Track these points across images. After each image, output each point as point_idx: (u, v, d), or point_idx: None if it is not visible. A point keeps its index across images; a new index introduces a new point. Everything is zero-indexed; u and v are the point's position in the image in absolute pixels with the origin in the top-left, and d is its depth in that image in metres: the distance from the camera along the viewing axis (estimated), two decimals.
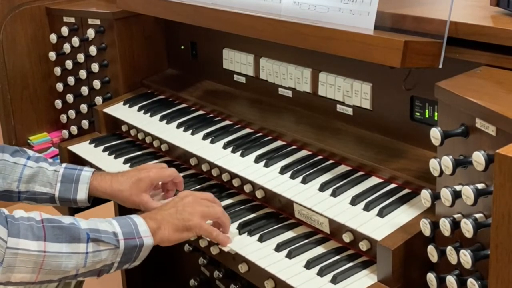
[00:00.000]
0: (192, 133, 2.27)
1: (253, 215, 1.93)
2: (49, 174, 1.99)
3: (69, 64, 2.72)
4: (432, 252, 1.49)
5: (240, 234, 1.85)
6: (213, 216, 1.81)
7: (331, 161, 1.96)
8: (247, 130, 2.24)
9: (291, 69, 2.22)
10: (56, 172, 1.99)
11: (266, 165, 1.99)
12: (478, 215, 1.36)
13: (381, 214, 1.68)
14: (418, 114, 1.87)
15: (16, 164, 1.98)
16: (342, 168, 1.92)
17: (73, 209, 2.22)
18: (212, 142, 2.19)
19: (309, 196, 1.82)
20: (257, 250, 1.77)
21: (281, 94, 2.30)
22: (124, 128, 2.54)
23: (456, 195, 1.38)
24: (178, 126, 2.35)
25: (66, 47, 2.72)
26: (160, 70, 2.78)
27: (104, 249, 1.63)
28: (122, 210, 2.54)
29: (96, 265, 1.64)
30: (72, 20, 2.73)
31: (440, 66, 1.64)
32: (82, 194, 1.99)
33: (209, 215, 1.80)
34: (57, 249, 1.58)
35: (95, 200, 2.08)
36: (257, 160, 2.02)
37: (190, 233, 1.78)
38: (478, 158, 1.30)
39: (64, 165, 2.03)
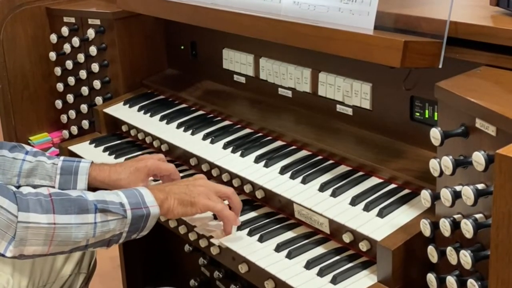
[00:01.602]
0: (192, 133, 2.27)
1: (253, 215, 1.93)
2: (48, 167, 2.00)
3: (69, 64, 2.73)
4: (432, 253, 1.48)
5: (240, 234, 1.85)
6: (215, 210, 1.82)
7: (331, 161, 1.96)
8: (247, 130, 2.24)
9: (291, 69, 2.22)
10: (55, 165, 2.01)
11: (266, 165, 1.99)
12: (478, 216, 1.35)
13: (381, 214, 1.68)
14: (418, 114, 1.87)
15: (15, 159, 2.00)
16: (342, 168, 1.92)
17: None
18: (212, 142, 2.19)
19: (309, 196, 1.82)
20: (257, 251, 1.77)
21: (281, 94, 2.30)
22: (124, 128, 2.54)
23: (456, 195, 1.38)
24: (178, 126, 2.35)
25: (66, 47, 2.72)
26: (160, 70, 2.78)
27: (112, 219, 1.67)
28: None
29: (105, 235, 1.68)
30: (72, 20, 2.73)
31: (440, 66, 1.64)
32: (81, 185, 2.00)
33: (217, 197, 1.82)
34: (66, 221, 1.62)
35: None
36: (257, 160, 2.02)
37: (194, 209, 1.80)
38: (478, 158, 1.30)
39: (62, 158, 2.05)
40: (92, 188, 2.03)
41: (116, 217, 1.67)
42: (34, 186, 1.99)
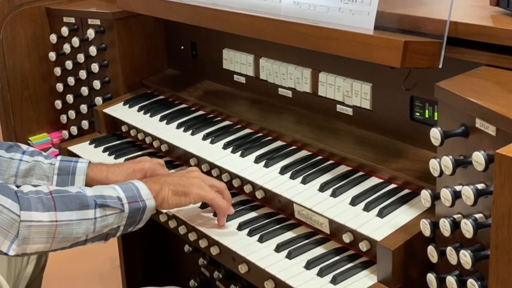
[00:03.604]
0: (192, 133, 2.27)
1: (253, 216, 1.93)
2: (45, 167, 2.01)
3: (69, 64, 2.73)
4: (432, 253, 1.48)
5: (240, 234, 1.85)
6: (208, 199, 1.86)
7: (331, 161, 1.96)
8: (247, 130, 2.24)
9: (291, 69, 2.22)
10: (52, 165, 2.01)
11: (266, 166, 1.98)
12: (478, 215, 1.35)
13: (381, 214, 1.68)
14: (418, 114, 1.87)
15: (12, 159, 2.00)
16: (342, 169, 1.92)
17: None
18: (212, 142, 2.19)
19: (309, 197, 1.82)
20: (257, 251, 1.77)
21: (281, 94, 2.30)
22: (124, 128, 2.54)
23: (456, 195, 1.38)
24: (178, 127, 2.35)
25: (66, 47, 2.72)
26: (160, 70, 2.78)
27: (111, 214, 1.70)
28: None
29: (104, 229, 1.71)
30: (72, 20, 2.73)
31: (440, 66, 1.64)
32: (79, 185, 2.00)
33: (206, 197, 1.85)
34: (68, 217, 1.65)
35: None
36: (257, 160, 2.02)
37: (188, 199, 1.84)
38: (478, 158, 1.30)
39: (59, 157, 2.05)
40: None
41: (115, 211, 1.71)
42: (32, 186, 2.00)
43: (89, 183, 2.02)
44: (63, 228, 1.64)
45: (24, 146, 2.07)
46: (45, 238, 1.63)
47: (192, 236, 1.93)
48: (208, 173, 2.12)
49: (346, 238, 1.70)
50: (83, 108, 2.74)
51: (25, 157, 2.01)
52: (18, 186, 2.00)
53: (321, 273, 1.65)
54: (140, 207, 1.74)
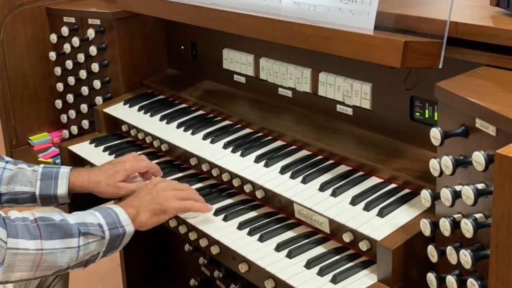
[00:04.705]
0: (192, 133, 2.27)
1: (253, 215, 1.93)
2: (28, 173, 2.03)
3: (69, 64, 2.73)
4: (432, 252, 1.49)
5: (240, 234, 1.85)
6: (185, 197, 1.90)
7: (331, 161, 1.96)
8: (247, 130, 2.24)
9: (291, 69, 2.22)
10: (35, 171, 2.04)
11: (266, 165, 1.99)
12: (478, 215, 1.36)
13: (381, 214, 1.68)
14: (418, 114, 1.87)
15: None
16: (342, 168, 1.92)
17: None
18: (212, 142, 2.19)
19: (309, 196, 1.82)
20: (257, 250, 1.77)
21: (281, 94, 2.30)
22: (124, 128, 2.54)
23: (456, 195, 1.38)
24: (178, 126, 2.35)
25: (66, 47, 2.72)
26: (160, 70, 2.78)
27: (93, 241, 1.72)
28: None
29: (85, 256, 1.72)
30: (72, 20, 2.73)
31: (440, 66, 1.64)
32: (62, 189, 2.03)
33: (182, 196, 1.89)
34: (52, 246, 1.66)
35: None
36: (257, 160, 2.02)
37: (166, 215, 1.87)
38: (478, 158, 1.30)
39: (42, 165, 2.08)
40: (71, 193, 2.06)
41: (96, 239, 1.72)
42: (15, 193, 2.03)
43: (71, 188, 2.04)
44: (47, 256, 1.65)
45: (7, 158, 2.09)
46: (29, 266, 1.63)
47: (192, 236, 1.93)
48: (208, 172, 2.13)
49: (346, 237, 1.70)
50: (83, 107, 2.74)
51: (9, 165, 2.04)
52: (1, 193, 2.02)
53: (321, 273, 1.65)
54: (120, 233, 1.76)
